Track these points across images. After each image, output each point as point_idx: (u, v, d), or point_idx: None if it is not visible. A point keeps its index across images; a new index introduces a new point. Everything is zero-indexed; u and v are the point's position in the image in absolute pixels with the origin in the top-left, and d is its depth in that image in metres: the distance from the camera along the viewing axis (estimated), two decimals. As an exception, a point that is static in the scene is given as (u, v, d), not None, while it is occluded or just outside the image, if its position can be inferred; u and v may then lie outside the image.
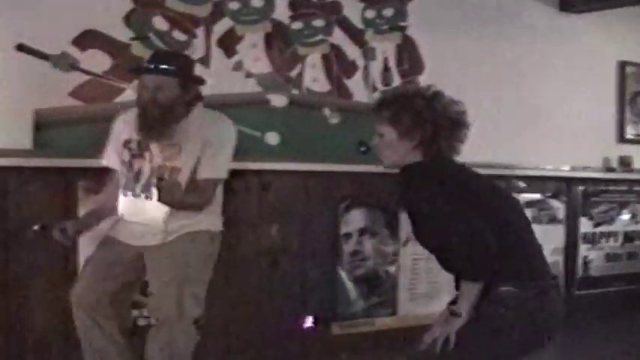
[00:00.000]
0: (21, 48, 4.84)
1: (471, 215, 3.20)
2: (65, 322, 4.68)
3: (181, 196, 4.16)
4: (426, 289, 6.43)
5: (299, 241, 5.80)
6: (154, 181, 4.12)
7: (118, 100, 5.09)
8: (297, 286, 5.81)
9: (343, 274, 6.08)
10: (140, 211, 4.33)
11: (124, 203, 4.40)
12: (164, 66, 4.23)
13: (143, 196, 4.31)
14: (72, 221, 4.41)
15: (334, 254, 6.03)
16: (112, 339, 4.35)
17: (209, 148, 4.28)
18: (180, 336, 4.26)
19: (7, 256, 4.81)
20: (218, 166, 4.34)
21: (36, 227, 4.68)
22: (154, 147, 4.28)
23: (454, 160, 3.53)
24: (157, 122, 4.22)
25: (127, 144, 4.37)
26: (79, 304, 4.31)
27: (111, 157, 4.46)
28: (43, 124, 4.90)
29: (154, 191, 4.07)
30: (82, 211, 4.84)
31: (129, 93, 5.03)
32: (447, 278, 6.12)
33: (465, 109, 3.51)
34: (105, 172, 4.51)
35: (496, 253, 3.16)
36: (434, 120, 3.39)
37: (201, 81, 4.49)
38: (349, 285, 6.13)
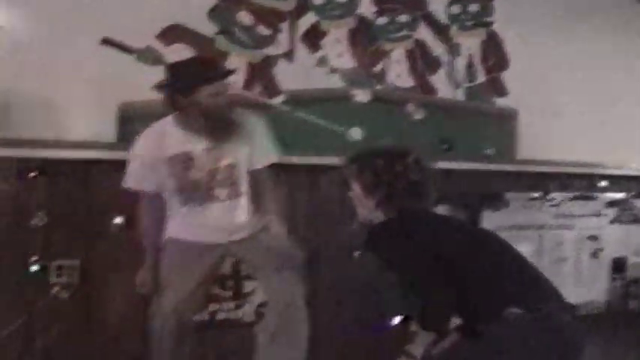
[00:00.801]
0: (106, 42, 4.79)
1: (422, 273, 3.18)
2: (144, 313, 4.58)
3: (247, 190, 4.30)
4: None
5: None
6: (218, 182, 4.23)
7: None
8: (378, 282, 5.60)
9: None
10: (216, 214, 4.30)
11: (194, 211, 4.30)
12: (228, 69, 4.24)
13: (213, 200, 4.27)
14: (144, 272, 4.41)
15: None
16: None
17: (251, 139, 4.32)
18: (300, 319, 4.29)
19: (88, 248, 4.76)
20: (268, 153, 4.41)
21: (118, 220, 4.66)
22: (199, 154, 4.22)
23: (421, 212, 3.46)
24: (226, 125, 4.21)
25: (172, 160, 4.23)
26: (173, 313, 4.22)
27: (147, 180, 4.30)
28: (126, 118, 4.85)
29: (224, 192, 4.21)
30: None
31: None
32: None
33: (432, 169, 3.54)
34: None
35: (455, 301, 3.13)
36: (390, 182, 3.42)
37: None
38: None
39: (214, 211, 4.27)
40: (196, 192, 4.24)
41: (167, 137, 4.22)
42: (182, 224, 4.33)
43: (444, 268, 3.15)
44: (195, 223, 4.30)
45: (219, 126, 4.16)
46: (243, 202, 4.34)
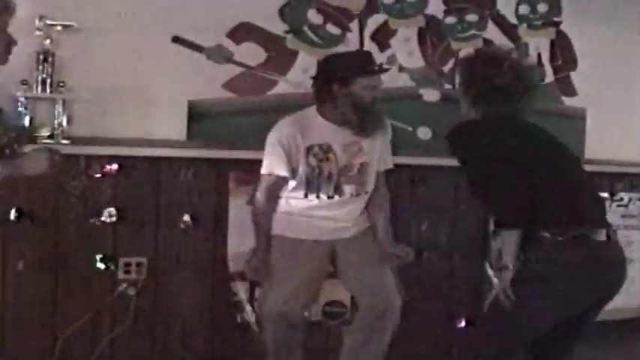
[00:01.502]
0: (177, 40, 4.74)
1: (503, 169, 3.25)
2: (211, 311, 4.74)
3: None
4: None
5: (447, 237, 5.48)
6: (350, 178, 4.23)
7: (271, 92, 4.95)
8: (445, 282, 5.49)
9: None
10: (335, 209, 4.27)
11: (313, 205, 4.25)
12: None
13: (339, 195, 4.25)
14: (255, 258, 4.30)
15: (482, 251, 5.66)
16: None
17: (384, 141, 4.38)
18: (393, 323, 4.29)
19: (157, 244, 4.70)
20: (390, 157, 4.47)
21: (186, 218, 4.64)
22: (338, 148, 4.20)
23: (512, 117, 3.50)
24: (373, 121, 4.21)
25: (310, 150, 4.18)
26: (284, 315, 4.18)
27: (283, 166, 4.19)
28: (196, 116, 4.80)
29: (351, 188, 4.22)
30: (232, 202, 4.76)
31: (282, 86, 4.95)
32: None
33: (532, 77, 3.71)
34: (257, 164, 4.28)
35: (532, 202, 3.19)
36: (480, 82, 3.47)
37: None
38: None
39: (336, 206, 4.26)
40: (327, 185, 4.22)
41: (309, 126, 4.20)
42: (294, 220, 4.27)
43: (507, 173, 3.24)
44: (305, 220, 4.26)
45: (367, 119, 4.16)
46: (364, 201, 4.35)
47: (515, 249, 3.26)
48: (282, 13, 5.03)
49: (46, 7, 4.39)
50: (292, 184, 4.21)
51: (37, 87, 4.38)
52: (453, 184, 5.39)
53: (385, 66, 4.55)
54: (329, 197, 4.22)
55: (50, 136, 4.37)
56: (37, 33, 4.35)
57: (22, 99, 4.34)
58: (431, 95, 5.46)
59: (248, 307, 4.79)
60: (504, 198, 3.26)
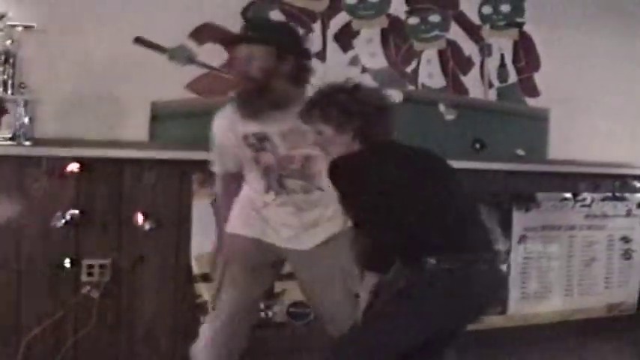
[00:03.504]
0: (138, 41, 4.66)
1: (375, 203, 3.20)
2: (174, 312, 4.68)
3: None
4: (537, 288, 5.98)
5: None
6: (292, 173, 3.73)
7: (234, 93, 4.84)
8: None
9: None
10: (288, 210, 3.78)
11: (265, 202, 3.82)
12: (258, 34, 3.69)
13: (285, 192, 3.75)
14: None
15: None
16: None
17: None
18: None
19: (120, 246, 4.64)
20: None
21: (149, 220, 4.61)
22: (275, 136, 3.67)
23: (390, 143, 3.47)
24: (253, 98, 3.61)
25: (245, 139, 3.73)
26: (230, 316, 3.83)
27: (224, 161, 3.92)
28: (159, 116, 4.76)
29: (297, 184, 3.72)
30: (195, 203, 4.71)
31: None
32: (557, 278, 5.89)
33: (388, 95, 3.68)
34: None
35: (410, 230, 3.16)
36: (360, 110, 3.35)
37: (304, 53, 3.87)
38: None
39: (282, 205, 3.78)
40: (266, 178, 3.76)
41: (250, 113, 3.67)
42: (245, 216, 3.87)
43: (388, 205, 3.17)
44: (258, 217, 3.83)
45: (242, 99, 3.67)
46: (319, 199, 3.75)
47: (370, 286, 3.28)
48: (244, 13, 4.99)
49: (7, 7, 4.33)
50: (251, 176, 3.85)
51: (-2, 88, 4.32)
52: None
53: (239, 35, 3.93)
54: (276, 194, 3.77)
55: (12, 138, 4.30)
56: (-1, 34, 4.29)
57: (-18, 99, 4.27)
58: (394, 96, 5.36)
59: (212, 309, 4.74)
60: (372, 240, 3.30)
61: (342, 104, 3.36)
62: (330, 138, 3.39)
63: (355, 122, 3.34)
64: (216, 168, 3.96)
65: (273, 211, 3.80)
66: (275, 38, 3.65)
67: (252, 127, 3.68)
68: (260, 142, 3.71)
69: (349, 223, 3.61)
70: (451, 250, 3.14)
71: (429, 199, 3.22)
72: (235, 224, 3.90)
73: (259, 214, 3.84)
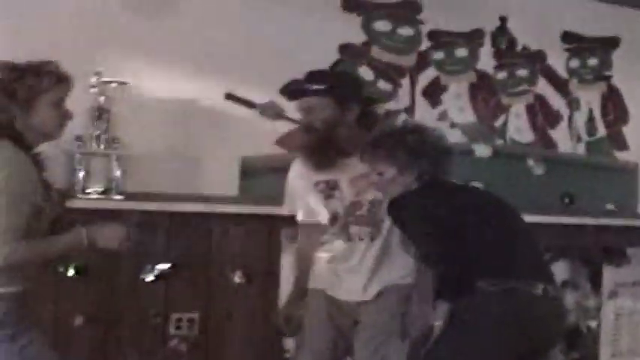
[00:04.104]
0: (229, 97, 4.70)
1: (431, 232, 3.24)
2: None
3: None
4: (629, 345, 5.86)
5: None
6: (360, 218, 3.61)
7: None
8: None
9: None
10: (354, 259, 3.65)
11: (332, 251, 3.71)
12: (316, 86, 3.70)
13: (356, 239, 3.63)
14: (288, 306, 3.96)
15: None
16: None
17: None
18: None
19: (208, 301, 4.62)
20: None
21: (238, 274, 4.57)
22: (343, 183, 3.63)
23: (446, 182, 3.50)
24: (318, 148, 3.62)
25: (316, 186, 3.70)
26: None
27: (292, 203, 3.89)
28: (249, 171, 4.77)
29: (363, 232, 3.59)
30: (284, 258, 4.65)
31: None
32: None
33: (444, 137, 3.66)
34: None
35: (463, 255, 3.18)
36: (426, 152, 3.39)
37: (364, 100, 3.83)
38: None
39: (357, 254, 3.63)
40: (334, 226, 3.68)
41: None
42: (320, 271, 3.76)
43: (444, 236, 3.21)
44: (332, 273, 3.70)
45: (309, 149, 3.68)
46: (383, 246, 3.62)
47: (442, 315, 3.20)
48: (333, 69, 4.96)
49: (101, 64, 4.38)
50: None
51: (91, 143, 4.36)
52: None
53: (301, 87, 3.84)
54: (347, 241, 3.65)
55: (104, 192, 4.33)
56: (92, 90, 4.33)
57: (77, 155, 4.31)
58: (483, 151, 5.38)
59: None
60: (436, 270, 3.28)
61: (410, 145, 3.37)
62: (391, 178, 3.39)
63: (422, 164, 3.35)
64: (285, 209, 3.96)
65: (341, 263, 3.70)
66: (333, 89, 3.67)
67: (323, 176, 3.68)
68: (331, 189, 3.69)
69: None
70: (502, 275, 3.11)
71: (484, 230, 3.23)
72: (312, 277, 3.84)
73: (333, 270, 3.73)
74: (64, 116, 3.06)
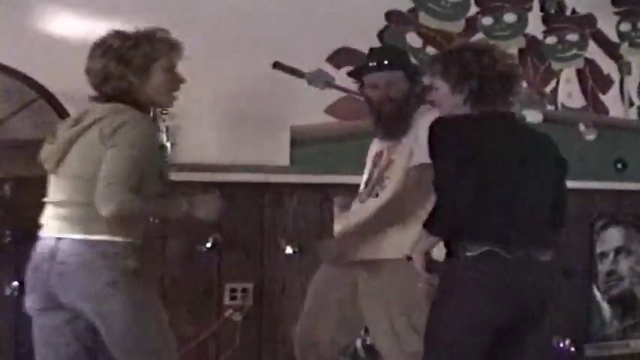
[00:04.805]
0: (277, 65, 4.67)
1: (457, 174, 2.97)
2: None
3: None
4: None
5: (554, 259, 5.27)
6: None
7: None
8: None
9: (598, 295, 5.54)
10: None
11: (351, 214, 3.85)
12: (388, 61, 3.77)
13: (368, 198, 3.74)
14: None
15: (589, 274, 5.54)
16: None
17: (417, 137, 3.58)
18: None
19: (262, 271, 4.66)
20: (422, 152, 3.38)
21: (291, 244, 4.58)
22: (387, 149, 3.77)
23: (499, 114, 3.18)
24: (394, 119, 3.71)
25: (375, 157, 3.86)
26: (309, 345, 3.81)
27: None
28: (298, 141, 4.72)
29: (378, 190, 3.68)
30: (336, 228, 4.50)
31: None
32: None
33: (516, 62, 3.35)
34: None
35: (468, 215, 2.96)
36: (481, 73, 3.13)
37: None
38: (604, 305, 5.61)
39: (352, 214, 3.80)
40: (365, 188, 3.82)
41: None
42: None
43: (465, 175, 2.96)
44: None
45: (384, 122, 3.74)
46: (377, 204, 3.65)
47: (425, 247, 3.08)
48: (381, 36, 4.95)
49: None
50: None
51: (152, 115, 4.36)
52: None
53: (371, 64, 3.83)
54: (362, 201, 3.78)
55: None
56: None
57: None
58: (533, 117, 5.29)
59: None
60: (438, 200, 3.02)
61: (463, 62, 3.16)
62: (443, 96, 3.22)
63: (472, 84, 3.13)
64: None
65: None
66: (404, 63, 3.84)
67: (381, 145, 3.82)
68: (379, 159, 3.81)
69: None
70: (482, 239, 2.97)
71: (505, 185, 3.03)
72: None
73: None
74: (177, 82, 3.18)
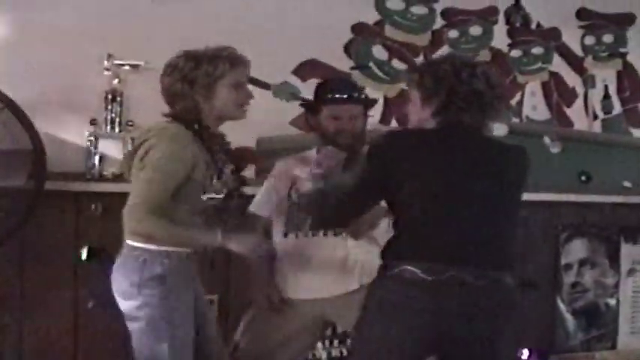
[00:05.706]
0: (243, 78, 4.59)
1: (367, 185, 2.92)
2: None
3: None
4: (648, 323, 5.79)
5: (519, 271, 5.26)
6: None
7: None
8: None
9: (562, 306, 5.54)
10: (325, 252, 3.62)
11: (296, 247, 3.68)
12: (357, 94, 3.73)
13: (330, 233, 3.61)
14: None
15: (554, 285, 5.56)
16: None
17: None
18: None
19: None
20: None
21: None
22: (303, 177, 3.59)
23: (459, 127, 2.92)
24: (351, 154, 3.49)
25: (294, 185, 3.67)
26: None
27: (263, 203, 3.80)
28: (264, 152, 4.71)
29: None
30: None
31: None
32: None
33: (501, 83, 3.22)
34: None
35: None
36: (453, 88, 2.88)
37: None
38: (568, 317, 5.62)
39: (328, 246, 3.62)
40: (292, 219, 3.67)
41: (307, 162, 3.63)
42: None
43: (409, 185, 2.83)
44: (292, 273, 3.68)
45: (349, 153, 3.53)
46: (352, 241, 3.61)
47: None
48: (347, 49, 4.97)
49: (114, 46, 4.34)
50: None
51: (105, 126, 4.35)
52: (522, 217, 5.15)
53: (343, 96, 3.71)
54: (315, 235, 3.62)
55: (119, 175, 4.26)
56: (106, 73, 4.32)
57: (90, 138, 4.30)
58: (499, 129, 5.22)
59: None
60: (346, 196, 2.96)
61: (438, 75, 2.92)
62: (412, 107, 3.02)
63: (440, 97, 2.89)
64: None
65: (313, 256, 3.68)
66: (367, 98, 3.84)
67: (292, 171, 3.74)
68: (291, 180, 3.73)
69: None
70: (423, 260, 2.77)
71: (439, 200, 2.84)
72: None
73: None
74: (245, 97, 3.26)
